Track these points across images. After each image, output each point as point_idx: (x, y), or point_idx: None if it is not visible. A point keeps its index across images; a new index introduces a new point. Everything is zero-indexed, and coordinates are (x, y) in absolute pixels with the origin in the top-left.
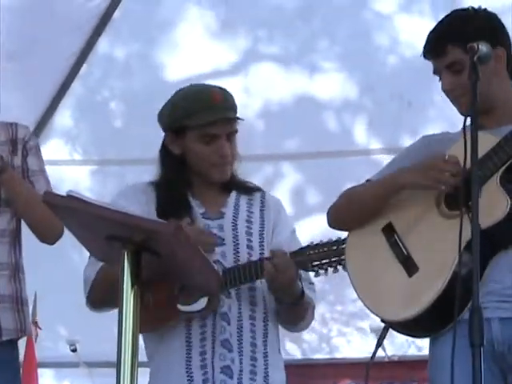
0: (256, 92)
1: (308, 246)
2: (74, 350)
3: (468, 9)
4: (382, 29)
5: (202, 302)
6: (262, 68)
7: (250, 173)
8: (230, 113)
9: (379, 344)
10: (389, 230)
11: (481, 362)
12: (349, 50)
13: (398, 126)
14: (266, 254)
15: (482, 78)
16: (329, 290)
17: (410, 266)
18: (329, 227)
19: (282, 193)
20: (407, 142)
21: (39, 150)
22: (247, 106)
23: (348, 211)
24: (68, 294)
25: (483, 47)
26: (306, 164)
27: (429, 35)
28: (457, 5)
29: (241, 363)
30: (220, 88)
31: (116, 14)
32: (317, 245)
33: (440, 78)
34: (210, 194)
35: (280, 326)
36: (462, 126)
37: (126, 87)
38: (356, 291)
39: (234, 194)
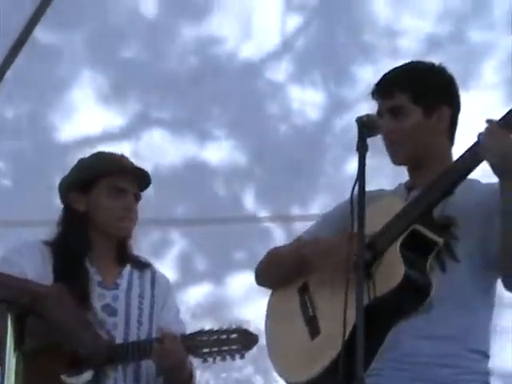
0: (146, 157)
1: (199, 331)
2: None
3: (426, 63)
4: (273, 97)
5: (88, 375)
6: (153, 133)
7: (138, 237)
8: (140, 172)
9: None
10: (303, 290)
11: None
12: (240, 118)
13: (287, 195)
14: (154, 331)
15: (423, 134)
16: None
17: (313, 328)
18: (216, 294)
19: (169, 258)
20: (296, 210)
21: None
22: None
23: (268, 271)
24: None
25: (373, 118)
26: (195, 230)
27: (382, 76)
28: (346, 77)
29: None
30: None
31: (8, 73)
32: (208, 331)
33: None
34: (107, 262)
35: None
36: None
37: (15, 147)
38: (268, 353)
39: (128, 268)
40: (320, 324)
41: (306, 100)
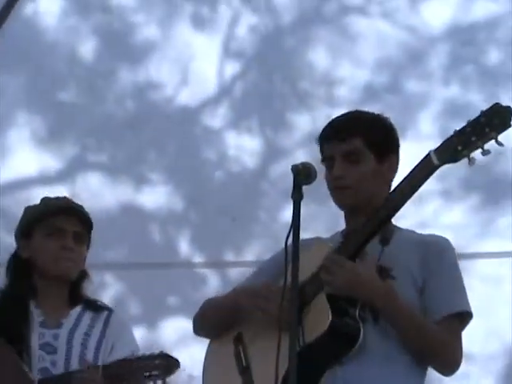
0: (82, 200)
1: (123, 359)
2: None
3: (371, 112)
4: (210, 143)
5: None
6: (89, 176)
7: None
8: (77, 210)
9: None
10: (238, 340)
11: None
12: (176, 163)
13: (222, 241)
14: None
15: (376, 181)
16: None
17: (247, 378)
18: (149, 338)
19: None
20: (231, 256)
21: None
22: None
23: (203, 321)
24: None
25: (308, 166)
26: (130, 274)
27: (334, 120)
28: (283, 124)
29: None
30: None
31: None
32: (130, 359)
33: (326, 166)
34: (55, 303)
35: None
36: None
37: None
38: None
39: (78, 309)
40: (253, 374)
41: (243, 146)
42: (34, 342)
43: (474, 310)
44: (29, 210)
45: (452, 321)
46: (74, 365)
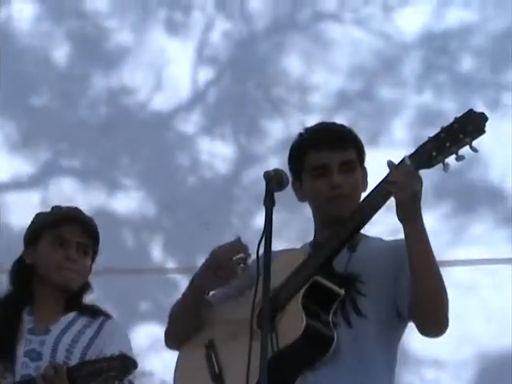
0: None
1: (83, 362)
2: None
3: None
4: (183, 149)
5: None
6: (62, 181)
7: None
8: (83, 221)
9: None
10: (209, 347)
11: None
12: (149, 168)
13: (194, 246)
14: None
15: (361, 191)
16: None
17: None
18: None
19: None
20: (203, 262)
21: None
22: None
23: (172, 326)
24: None
25: (280, 172)
26: (102, 280)
27: (328, 130)
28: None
29: None
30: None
31: None
32: (90, 361)
33: (314, 175)
34: (47, 310)
35: None
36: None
37: None
38: None
39: (72, 315)
40: (225, 380)
41: (216, 152)
42: (19, 349)
43: None
44: (38, 216)
45: None
46: None
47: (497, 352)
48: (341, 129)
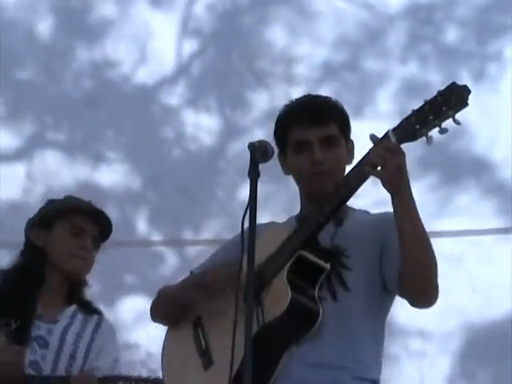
0: (39, 178)
1: (117, 376)
2: None
3: (332, 98)
4: (167, 122)
5: None
6: (47, 154)
7: None
8: (101, 217)
9: None
10: (197, 324)
11: None
12: (134, 141)
13: (180, 219)
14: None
15: (345, 165)
16: None
17: (206, 360)
18: (107, 317)
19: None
20: (189, 234)
21: None
22: (30, 192)
23: (157, 312)
24: None
25: (265, 144)
26: None
27: (309, 105)
28: (241, 103)
29: None
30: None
31: None
32: (124, 377)
33: (296, 151)
34: (54, 297)
35: None
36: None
37: None
38: None
39: (73, 307)
40: (213, 355)
41: (200, 125)
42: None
43: None
44: (53, 203)
45: None
46: (63, 362)
47: (482, 323)
48: (324, 103)
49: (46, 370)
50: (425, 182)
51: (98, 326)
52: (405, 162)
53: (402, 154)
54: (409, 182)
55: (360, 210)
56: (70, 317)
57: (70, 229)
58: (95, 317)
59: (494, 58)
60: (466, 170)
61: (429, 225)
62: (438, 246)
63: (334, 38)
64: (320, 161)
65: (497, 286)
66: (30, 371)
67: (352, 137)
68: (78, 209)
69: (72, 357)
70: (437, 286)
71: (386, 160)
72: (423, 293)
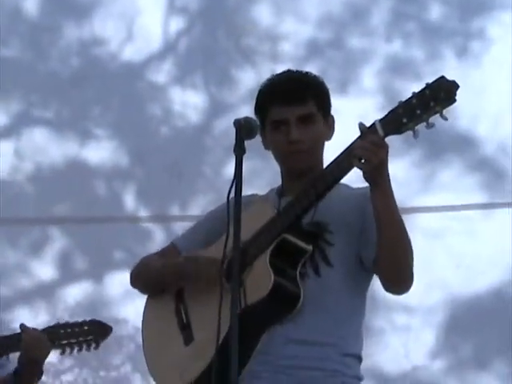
0: (27, 156)
1: (57, 324)
2: None
3: (313, 74)
4: (155, 99)
5: None
6: (35, 132)
7: (18, 235)
8: None
9: None
10: (178, 298)
11: None
12: (121, 118)
13: (166, 195)
14: None
15: (323, 143)
16: (92, 356)
17: (187, 334)
18: (95, 293)
19: (49, 256)
20: (175, 210)
21: None
22: (18, 170)
23: (138, 279)
24: None
25: (250, 120)
26: (75, 229)
27: (283, 83)
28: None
29: None
30: None
31: None
32: (64, 324)
33: (274, 128)
34: None
35: None
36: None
37: None
38: (144, 358)
39: None
40: (193, 331)
41: (187, 102)
42: None
43: (415, 263)
44: None
45: None
46: None
47: (465, 297)
48: (301, 81)
49: None
50: (409, 158)
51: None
52: (387, 157)
53: (386, 148)
54: (388, 176)
55: (342, 184)
56: None
57: None
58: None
59: (477, 35)
60: (449, 146)
61: (413, 200)
62: (422, 221)
63: (318, 16)
64: (296, 140)
65: (480, 261)
66: None
67: (336, 113)
68: None
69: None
70: (412, 275)
71: (370, 154)
72: (397, 279)
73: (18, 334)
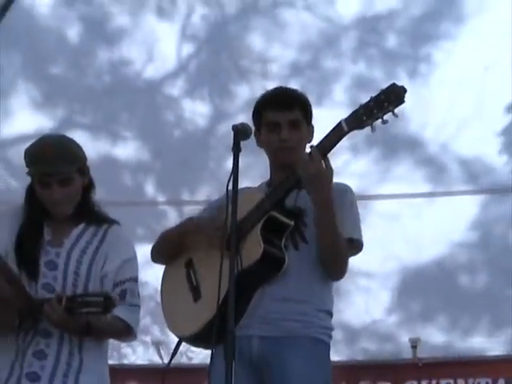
0: None
1: (75, 295)
2: None
3: (297, 89)
4: (170, 108)
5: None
6: (75, 134)
7: None
8: (54, 166)
9: (174, 354)
10: (189, 264)
11: (231, 372)
12: (144, 123)
13: (180, 184)
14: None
15: (305, 143)
16: None
17: (196, 293)
18: None
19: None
20: (186, 196)
21: None
22: None
23: (159, 250)
24: None
25: (245, 126)
26: (106, 211)
27: (278, 93)
28: (227, 93)
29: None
30: (58, 142)
31: None
32: (86, 294)
33: (268, 130)
34: (60, 224)
35: None
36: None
37: None
38: (162, 313)
39: (81, 226)
40: (201, 290)
41: (196, 111)
42: (41, 259)
43: (374, 240)
44: (27, 152)
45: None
46: (69, 280)
47: (414, 266)
48: (291, 93)
49: (58, 288)
50: (370, 155)
51: (104, 235)
52: (325, 173)
53: (331, 172)
54: (330, 195)
55: None
56: (76, 236)
57: (39, 183)
58: (104, 227)
59: (425, 59)
60: (402, 146)
61: (373, 189)
62: (380, 206)
63: (299, 43)
64: (286, 139)
65: (425, 238)
66: (43, 292)
67: (314, 121)
68: (37, 168)
69: (76, 273)
70: (345, 268)
71: (316, 176)
72: (332, 270)
73: (43, 301)
